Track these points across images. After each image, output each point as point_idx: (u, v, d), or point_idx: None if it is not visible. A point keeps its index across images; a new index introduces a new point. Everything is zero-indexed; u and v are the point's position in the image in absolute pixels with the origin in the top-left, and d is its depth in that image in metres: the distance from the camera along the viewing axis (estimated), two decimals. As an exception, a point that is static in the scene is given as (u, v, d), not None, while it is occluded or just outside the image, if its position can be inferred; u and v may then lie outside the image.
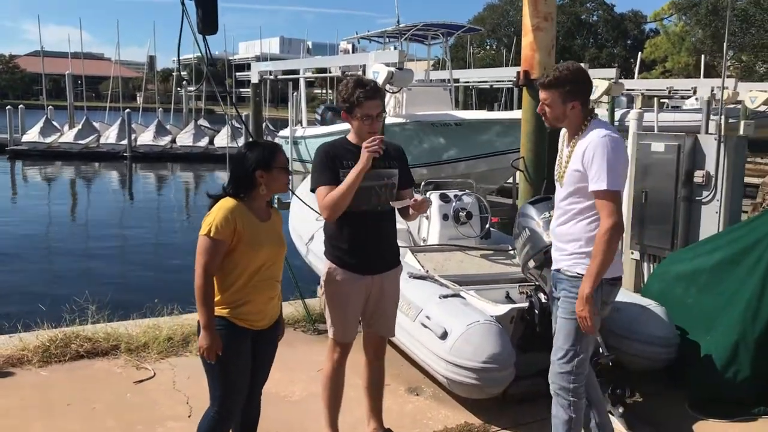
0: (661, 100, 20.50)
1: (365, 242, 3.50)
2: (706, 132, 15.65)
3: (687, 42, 49.39)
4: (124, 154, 29.51)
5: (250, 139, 3.39)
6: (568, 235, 3.34)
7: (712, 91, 15.58)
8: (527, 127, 6.27)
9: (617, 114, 18.77)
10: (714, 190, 6.50)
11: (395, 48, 14.82)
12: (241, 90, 64.84)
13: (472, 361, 3.98)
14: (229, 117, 17.54)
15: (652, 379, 4.66)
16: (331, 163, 3.45)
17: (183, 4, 5.42)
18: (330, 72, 14.98)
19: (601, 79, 12.60)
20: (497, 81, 17.97)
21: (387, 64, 9.45)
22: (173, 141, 31.44)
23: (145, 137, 31.09)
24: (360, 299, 3.57)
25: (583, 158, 3.20)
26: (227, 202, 3.11)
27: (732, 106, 16.99)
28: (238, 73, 66.67)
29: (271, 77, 12.53)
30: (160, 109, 35.30)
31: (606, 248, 3.13)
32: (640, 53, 28.17)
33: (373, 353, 3.76)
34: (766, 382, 4.34)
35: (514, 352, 4.10)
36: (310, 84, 18.20)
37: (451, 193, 5.65)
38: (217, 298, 3.10)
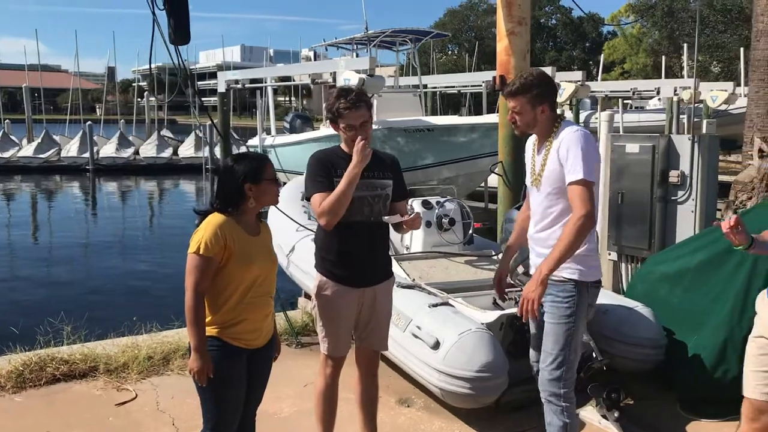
0: (625, 101, 20.79)
1: (357, 254, 3.44)
2: (677, 131, 15.99)
3: (644, 43, 50.40)
4: (87, 167, 28.91)
5: (238, 152, 3.30)
6: (551, 240, 3.31)
7: (675, 91, 15.86)
8: (504, 131, 6.27)
9: (582, 116, 19.06)
10: (689, 190, 6.56)
11: (357, 55, 14.81)
12: (203, 99, 64.11)
13: (466, 371, 3.92)
14: (197, 125, 17.13)
15: (642, 381, 4.66)
16: (325, 170, 3.39)
17: (154, 14, 5.31)
18: (294, 80, 14.83)
19: (567, 82, 12.71)
20: (465, 86, 18.04)
21: (358, 71, 9.40)
22: (136, 152, 30.92)
23: (108, 149, 30.51)
24: (352, 312, 3.49)
25: (558, 154, 3.23)
26: (215, 218, 3.01)
27: (697, 105, 17.34)
28: (199, 82, 66.01)
29: (239, 86, 12.38)
30: (122, 120, 34.69)
31: (575, 235, 3.11)
32: (602, 55, 28.54)
33: (365, 368, 3.68)
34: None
35: (507, 360, 4.07)
36: (273, 92, 18.13)
37: (433, 200, 5.61)
38: (209, 318, 3.01)
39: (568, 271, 3.28)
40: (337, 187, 3.29)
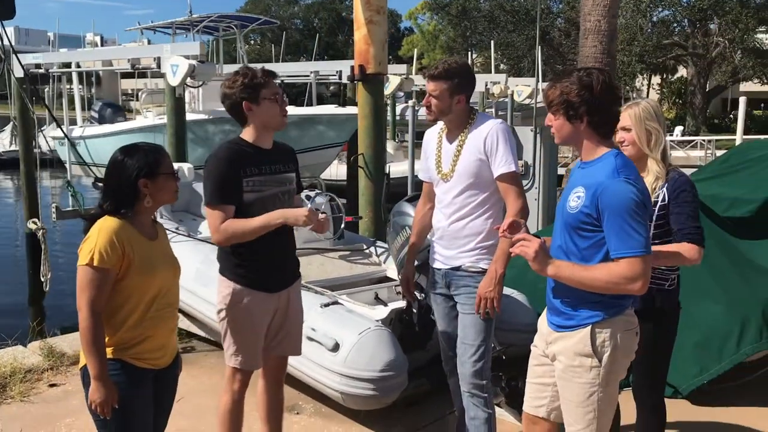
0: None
1: (274, 257, 3.15)
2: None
3: (440, 41, 53.07)
4: None
5: (132, 144, 2.82)
6: (467, 230, 3.29)
7: (486, 85, 16.79)
8: (365, 122, 6.17)
9: (398, 108, 19.58)
10: (532, 179, 6.93)
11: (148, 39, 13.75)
12: (-26, 85, 57.05)
13: (369, 371, 3.77)
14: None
15: (520, 366, 4.79)
16: (232, 174, 3.01)
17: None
18: (80, 66, 13.49)
19: (393, 75, 12.95)
20: (291, 76, 17.65)
21: (187, 57, 8.76)
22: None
23: None
24: (268, 319, 3.20)
25: (484, 146, 3.20)
26: (108, 222, 2.57)
27: (502, 99, 18.55)
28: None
29: (41, 71, 11.05)
30: None
31: None
32: (415, 50, 29.55)
33: (274, 376, 3.40)
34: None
35: (406, 357, 3.97)
36: (58, 79, 16.66)
37: (302, 194, 5.33)
38: (107, 339, 2.57)
39: (485, 262, 3.29)
40: (252, 222, 2.97)
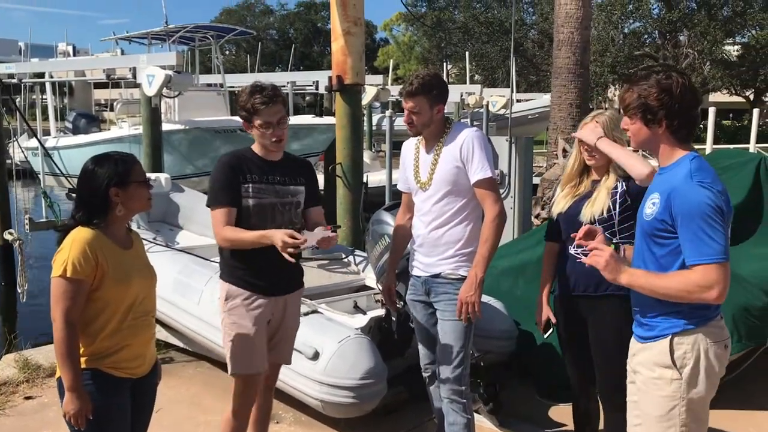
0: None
1: (271, 262, 3.14)
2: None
3: (415, 51, 53.45)
4: None
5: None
6: (446, 237, 3.34)
7: (462, 96, 16.94)
8: (343, 132, 6.20)
9: (375, 119, 19.67)
10: (508, 188, 7.01)
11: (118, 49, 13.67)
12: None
13: (349, 379, 3.80)
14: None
15: (495, 371, 4.84)
16: (233, 178, 3.10)
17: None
18: (52, 76, 13.38)
19: (369, 85, 13.02)
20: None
21: (163, 67, 8.76)
22: None
23: None
24: (265, 323, 3.23)
25: (461, 154, 3.26)
26: (81, 233, 2.57)
27: (477, 109, 18.71)
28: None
29: (14, 81, 10.93)
30: None
31: (496, 232, 3.23)
32: (391, 61, 29.68)
33: (265, 383, 3.42)
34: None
35: (385, 364, 4.00)
36: (30, 89, 16.60)
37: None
38: (83, 349, 2.58)
39: (464, 269, 3.33)
40: (248, 234, 3.04)
